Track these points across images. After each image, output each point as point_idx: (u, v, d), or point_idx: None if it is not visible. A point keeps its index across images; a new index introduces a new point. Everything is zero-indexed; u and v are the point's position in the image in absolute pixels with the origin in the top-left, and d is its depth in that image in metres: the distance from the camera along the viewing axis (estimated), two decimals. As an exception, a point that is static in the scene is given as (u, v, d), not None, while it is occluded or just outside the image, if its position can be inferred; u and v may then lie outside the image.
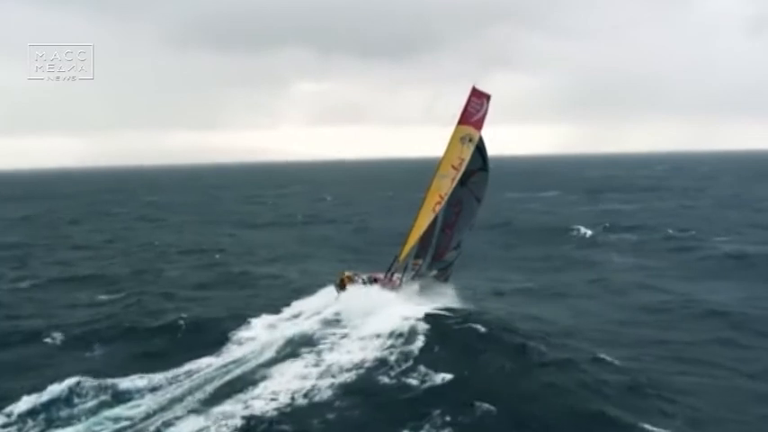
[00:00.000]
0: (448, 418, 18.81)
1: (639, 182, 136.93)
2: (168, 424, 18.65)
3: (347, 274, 31.41)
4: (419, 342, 24.50)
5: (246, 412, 19.19)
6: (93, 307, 33.71)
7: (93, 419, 19.09)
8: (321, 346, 24.61)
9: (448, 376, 21.43)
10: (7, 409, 19.46)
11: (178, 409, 19.48)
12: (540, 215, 76.14)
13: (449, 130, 31.04)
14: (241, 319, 28.25)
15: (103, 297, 35.96)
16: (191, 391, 20.64)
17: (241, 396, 20.28)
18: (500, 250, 51.81)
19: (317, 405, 19.95)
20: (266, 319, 28.46)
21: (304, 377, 21.72)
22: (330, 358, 23.36)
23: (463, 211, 32.18)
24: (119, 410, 19.51)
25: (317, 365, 22.78)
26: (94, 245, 59.22)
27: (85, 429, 18.65)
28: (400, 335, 25.35)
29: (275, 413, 19.31)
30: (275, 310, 29.88)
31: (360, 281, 31.00)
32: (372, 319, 27.01)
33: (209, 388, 20.85)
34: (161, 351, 25.52)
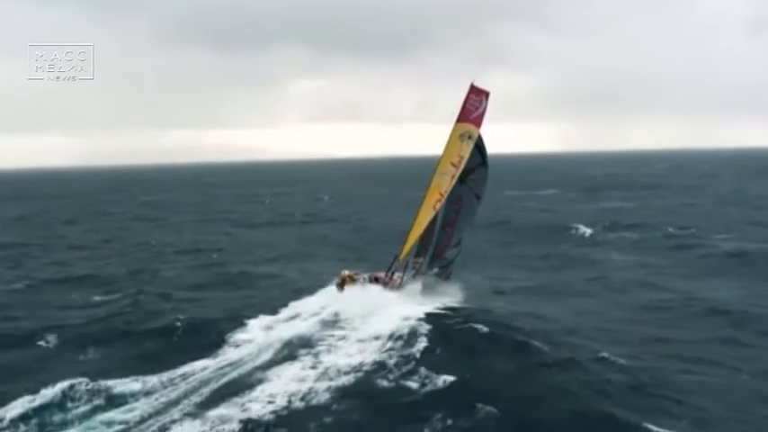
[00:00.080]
0: (449, 422, 18.57)
1: (639, 180, 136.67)
2: (164, 428, 18.40)
3: (348, 273, 31.35)
4: (419, 343, 24.23)
5: (243, 415, 18.94)
6: (88, 308, 33.33)
7: (86, 424, 18.83)
8: (320, 348, 24.34)
9: (449, 378, 21.12)
10: (-1, 414, 19.13)
11: (174, 413, 19.22)
12: (538, 213, 75.92)
13: (446, 127, 31.01)
14: (238, 321, 27.99)
15: (99, 298, 35.57)
16: (186, 395, 20.37)
17: (238, 399, 20.01)
18: (500, 248, 51.57)
19: (315, 408, 19.69)
20: (264, 320, 28.17)
21: (302, 380, 21.46)
22: (328, 360, 23.08)
23: (463, 208, 32.15)
24: (113, 414, 19.23)
25: (314, 368, 22.51)
26: (90, 245, 58.80)
27: None
28: (400, 336, 25.11)
29: (272, 416, 19.06)
30: (273, 310, 29.59)
31: (361, 280, 30.93)
32: (372, 319, 26.82)
33: (206, 391, 20.60)
34: (157, 353, 25.17)
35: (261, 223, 75.57)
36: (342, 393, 20.50)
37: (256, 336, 25.97)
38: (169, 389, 20.85)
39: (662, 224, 60.38)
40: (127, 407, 19.69)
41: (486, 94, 30.75)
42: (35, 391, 20.15)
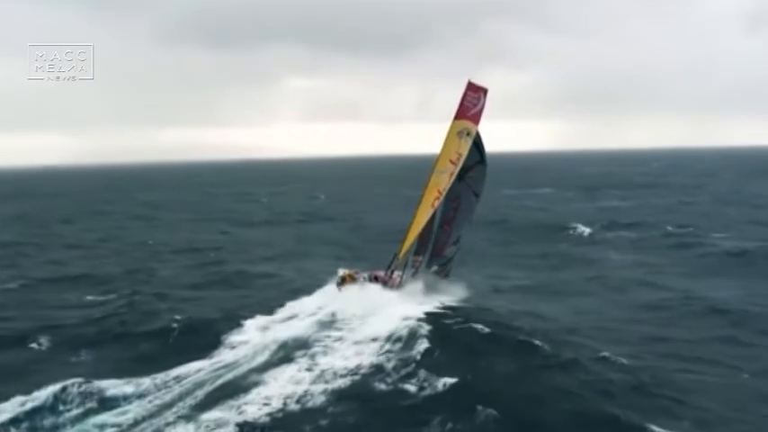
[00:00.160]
0: (449, 425, 18.30)
1: (636, 178, 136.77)
2: (157, 431, 18.15)
3: (348, 272, 31.20)
4: (418, 344, 23.95)
5: (239, 418, 18.69)
6: (83, 308, 33.02)
7: (78, 427, 18.55)
8: (316, 350, 24.02)
9: (448, 380, 20.81)
10: (-11, 418, 18.82)
11: (168, 416, 18.95)
12: (536, 212, 75.82)
13: (443, 126, 30.95)
14: (235, 321, 27.69)
15: (94, 298, 35.24)
16: (181, 397, 20.08)
17: (233, 401, 19.72)
18: (498, 247, 51.37)
19: (311, 411, 19.43)
20: (260, 320, 27.86)
21: (297, 382, 21.15)
22: (325, 362, 22.77)
23: (461, 206, 32.10)
24: (105, 417, 18.93)
25: (311, 370, 22.19)
26: (87, 244, 58.45)
27: None
28: (399, 337, 24.83)
29: (267, 419, 18.81)
30: (270, 310, 29.30)
31: (360, 279, 30.79)
32: (371, 319, 26.57)
33: (200, 393, 20.31)
34: (151, 355, 24.88)
35: (258, 222, 75.19)
36: (338, 396, 20.22)
37: (252, 337, 25.66)
38: (163, 391, 20.56)
39: (660, 223, 60.24)
40: (120, 409, 19.38)
41: (485, 91, 30.66)
42: (27, 393, 19.83)
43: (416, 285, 31.15)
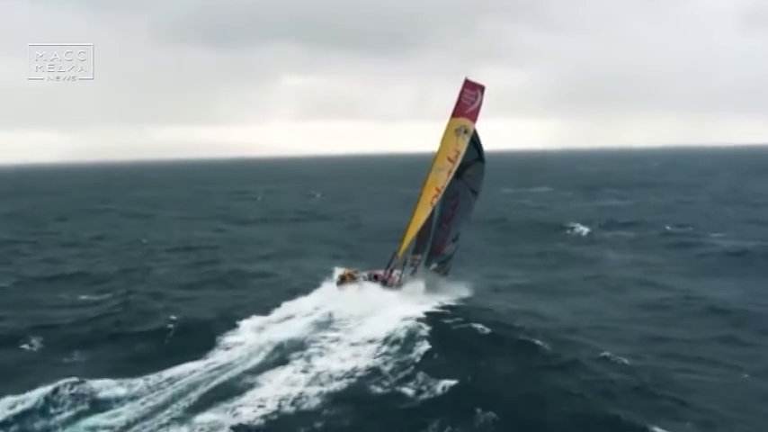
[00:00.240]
0: (447, 429, 18.02)
1: (634, 177, 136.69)
2: (150, 433, 17.80)
3: (348, 271, 31.22)
4: (417, 345, 23.74)
5: (234, 421, 18.45)
6: (77, 308, 32.67)
7: (69, 430, 18.23)
8: (313, 351, 23.75)
9: (447, 382, 20.52)
10: (-23, 421, 18.47)
11: (162, 418, 18.65)
12: (534, 211, 75.70)
13: (441, 124, 30.95)
14: (230, 321, 27.39)
15: (89, 297, 34.91)
16: (174, 399, 19.77)
17: (228, 403, 19.45)
18: (496, 246, 51.11)
19: (306, 413, 19.17)
20: (256, 320, 27.55)
21: (293, 384, 20.87)
22: (321, 364, 22.49)
23: (459, 204, 32.13)
24: (97, 420, 18.62)
25: (306, 371, 21.91)
26: (81, 242, 58.12)
27: None
28: (398, 337, 24.63)
29: (262, 421, 18.58)
30: (266, 310, 29.00)
31: (360, 278, 30.76)
32: (370, 320, 26.37)
33: (194, 395, 20.00)
34: (145, 355, 24.53)
35: (253, 220, 74.96)
36: (334, 398, 19.95)
37: (247, 338, 25.32)
38: (156, 392, 20.24)
39: (659, 222, 60.10)
40: (112, 411, 19.07)
41: (482, 89, 30.67)
42: (17, 395, 19.53)
43: (416, 284, 30.99)
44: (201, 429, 17.87)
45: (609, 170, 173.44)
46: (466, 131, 30.41)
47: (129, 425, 18.28)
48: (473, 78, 30.63)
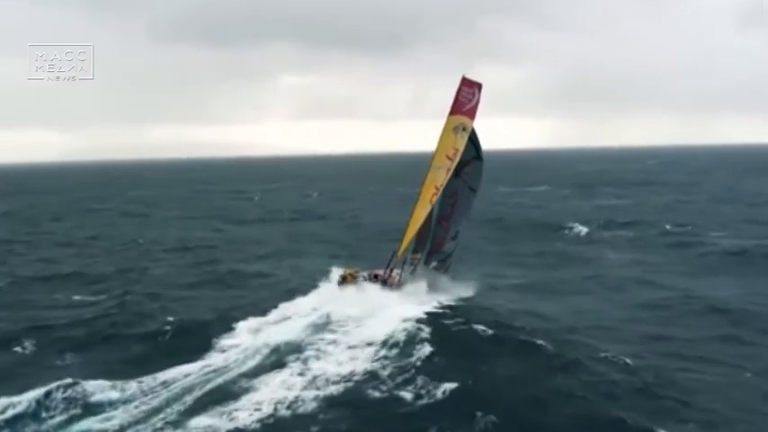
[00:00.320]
0: (447, 433, 17.80)
1: (631, 176, 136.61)
2: (145, 437, 17.53)
3: (349, 271, 31.18)
4: (417, 347, 23.56)
5: (229, 425, 18.26)
6: (71, 308, 32.39)
7: (61, 434, 17.90)
8: (310, 353, 23.49)
9: (447, 385, 20.32)
10: (-33, 426, 18.20)
11: (156, 422, 18.40)
12: (532, 210, 75.58)
13: (438, 123, 30.98)
14: (227, 323, 27.16)
15: (85, 298, 34.65)
16: (169, 402, 19.50)
17: (223, 407, 19.21)
18: (495, 246, 50.89)
19: (302, 417, 18.95)
20: (253, 322, 27.27)
21: (289, 387, 20.64)
22: (318, 367, 22.23)
23: (458, 202, 32.19)
24: (90, 423, 18.38)
25: (303, 374, 21.67)
26: (77, 242, 57.86)
27: None
28: (397, 339, 24.43)
29: (258, 425, 18.37)
30: (264, 311, 28.77)
31: (360, 278, 30.71)
32: (369, 321, 26.18)
33: (189, 398, 19.75)
34: (141, 358, 24.28)
35: (251, 220, 74.74)
36: (330, 402, 19.73)
37: (244, 340, 25.04)
38: (150, 396, 19.99)
39: (658, 221, 59.94)
40: (105, 415, 18.81)
41: (479, 86, 30.69)
42: (8, 398, 19.26)
43: (415, 284, 30.93)
44: (197, 433, 17.57)
45: (606, 169, 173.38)
46: (464, 129, 30.39)
47: (122, 429, 18.04)
48: (470, 76, 30.64)
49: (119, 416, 18.69)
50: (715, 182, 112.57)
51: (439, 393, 19.97)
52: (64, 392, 19.60)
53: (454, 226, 32.59)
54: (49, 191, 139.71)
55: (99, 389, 20.10)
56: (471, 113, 30.56)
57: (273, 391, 20.18)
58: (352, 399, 20.00)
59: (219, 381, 21.04)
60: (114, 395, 19.88)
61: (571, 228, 58.10)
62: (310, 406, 19.44)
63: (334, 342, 24.49)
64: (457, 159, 30.41)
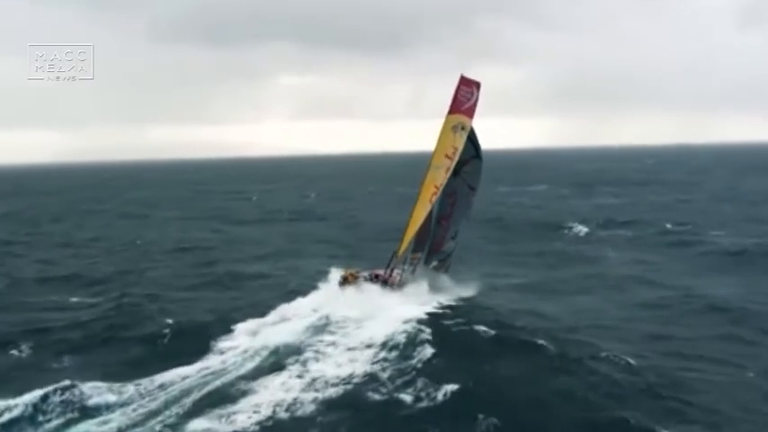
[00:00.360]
0: (448, 436, 17.63)
1: (631, 175, 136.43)
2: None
3: (350, 272, 31.08)
4: (417, 349, 23.41)
5: (228, 428, 18.11)
6: (70, 310, 32.24)
7: (58, 438, 17.74)
8: (309, 355, 23.32)
9: (448, 387, 20.15)
10: (-38, 430, 18.04)
11: (154, 425, 18.26)
12: (531, 210, 75.40)
13: (436, 123, 30.96)
14: (226, 325, 26.98)
15: (82, 300, 34.53)
16: (167, 405, 19.34)
17: (222, 410, 19.04)
18: (494, 245, 50.71)
19: (301, 419, 18.81)
20: (252, 323, 27.08)
21: (288, 389, 20.49)
22: (317, 369, 22.07)
23: (458, 201, 32.19)
24: (87, 427, 18.23)
25: (301, 377, 21.51)
26: (76, 243, 57.75)
27: None
28: (397, 340, 24.27)
29: (257, 428, 18.21)
30: (262, 313, 28.59)
31: (361, 278, 30.62)
32: (370, 323, 26.03)
33: (188, 401, 19.59)
34: (139, 360, 24.13)
35: (249, 220, 74.53)
36: (330, 405, 19.58)
37: (243, 342, 24.84)
38: (148, 399, 19.83)
39: (657, 221, 59.69)
40: (102, 418, 18.65)
41: (477, 85, 30.70)
42: (4, 402, 19.11)
43: (416, 284, 30.89)
44: (195, 436, 17.42)
45: (606, 168, 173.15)
46: (463, 128, 30.39)
47: (120, 432, 17.84)
48: (469, 75, 30.64)
49: (116, 419, 18.53)
50: (714, 181, 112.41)
51: (439, 395, 19.80)
52: (61, 395, 19.43)
53: (454, 225, 32.58)
54: (48, 192, 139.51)
55: (96, 392, 19.93)
56: (470, 112, 30.55)
57: (272, 394, 20.02)
58: (352, 401, 19.85)
59: (218, 383, 20.89)
60: (112, 398, 19.70)
61: (571, 227, 57.90)
62: (309, 408, 19.30)
63: (333, 344, 24.32)
64: (456, 158, 30.37)
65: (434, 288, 30.98)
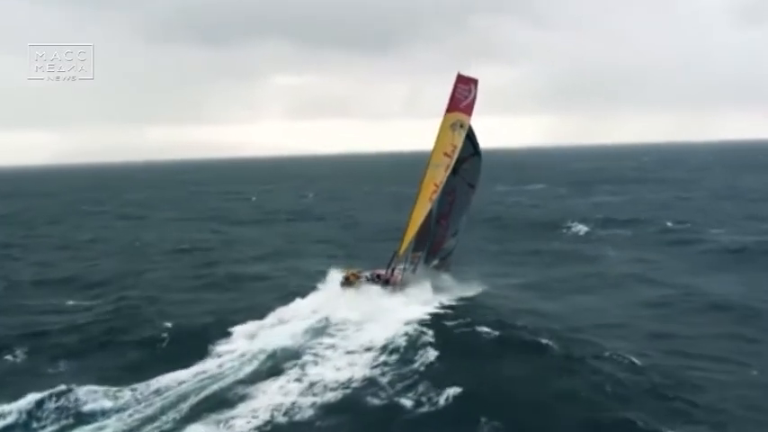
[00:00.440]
0: (450, 439, 17.41)
1: (629, 174, 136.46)
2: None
3: (352, 272, 30.98)
4: (418, 351, 23.22)
5: (225, 432, 17.75)
6: (66, 313, 31.92)
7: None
8: (309, 359, 23.02)
9: (450, 389, 19.90)
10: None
11: (151, 430, 18.02)
12: (530, 209, 75.28)
13: (433, 122, 31.13)
14: (224, 327, 26.68)
15: (79, 302, 34.19)
16: (164, 410, 19.07)
17: (219, 415, 18.78)
18: (494, 245, 50.44)
19: (301, 424, 18.56)
20: (251, 326, 26.77)
21: (286, 393, 20.20)
22: (316, 372, 21.79)
23: (457, 199, 32.24)
24: None
25: (300, 380, 21.22)
26: (73, 245, 57.55)
27: None
28: (398, 342, 24.05)
29: (254, 432, 17.92)
30: (261, 315, 28.25)
31: (363, 279, 30.55)
32: (371, 324, 25.81)
33: (185, 406, 19.30)
34: (136, 365, 23.75)
35: (248, 221, 74.31)
36: (329, 409, 19.31)
37: (241, 345, 24.50)
38: (145, 404, 19.54)
39: (657, 219, 59.51)
40: (98, 424, 18.39)
41: (475, 82, 30.80)
42: (-2, 408, 18.76)
43: (417, 284, 30.83)
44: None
45: (603, 166, 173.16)
46: (462, 126, 30.53)
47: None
48: (465, 72, 30.74)
49: (112, 425, 18.27)
50: (714, 178, 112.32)
51: (441, 398, 19.55)
52: (56, 401, 19.17)
53: (453, 224, 32.57)
54: (45, 193, 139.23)
55: (92, 397, 19.66)
56: (468, 110, 30.65)
57: (270, 398, 19.72)
58: (351, 405, 19.60)
59: (215, 387, 20.60)
60: (108, 404, 19.42)
61: (570, 226, 57.73)
62: (308, 413, 19.03)
63: (332, 347, 24.04)
64: (455, 156, 30.47)
65: (436, 288, 30.85)
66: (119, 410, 19.13)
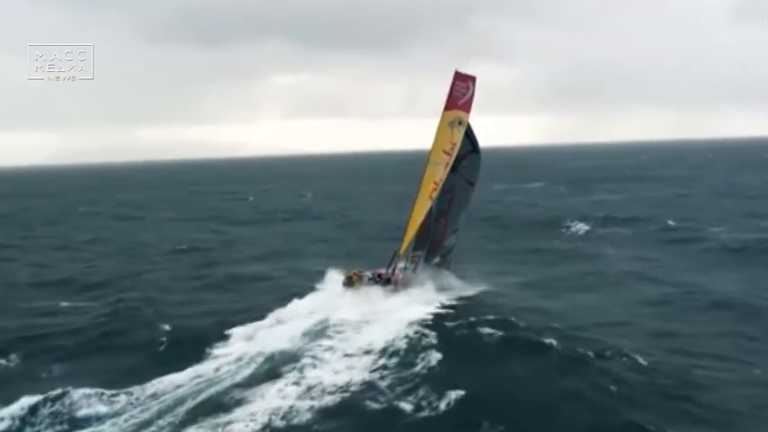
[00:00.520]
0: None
1: (628, 172, 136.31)
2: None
3: (354, 271, 30.88)
4: (419, 352, 23.04)
5: (223, 436, 17.50)
6: (63, 315, 31.71)
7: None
8: (308, 362, 22.75)
9: (451, 392, 19.65)
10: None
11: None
12: (530, 208, 75.07)
13: (431, 121, 31.21)
14: (222, 329, 26.38)
15: (76, 304, 33.90)
16: (160, 414, 18.82)
17: (216, 419, 18.53)
18: (493, 244, 50.34)
19: (299, 428, 18.29)
20: (249, 327, 26.49)
21: (285, 397, 19.92)
22: (315, 375, 21.51)
23: (456, 197, 32.28)
24: None
25: (298, 384, 20.94)
26: (71, 246, 57.26)
27: None
28: (399, 343, 23.87)
29: (252, 436, 17.66)
30: (260, 316, 28.04)
31: (365, 278, 30.49)
32: (371, 325, 25.66)
33: (182, 410, 19.03)
34: (133, 368, 23.37)
35: (246, 221, 74.14)
36: (328, 413, 19.05)
37: (239, 348, 24.20)
38: (141, 408, 19.27)
39: (657, 217, 59.34)
40: (93, 429, 18.14)
41: (473, 79, 30.84)
42: (-7, 413, 18.47)
43: (418, 283, 30.83)
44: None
45: (602, 165, 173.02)
46: (460, 123, 30.57)
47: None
48: (463, 70, 30.78)
49: (107, 430, 18.04)
50: (713, 176, 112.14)
51: (443, 401, 19.28)
52: (51, 406, 18.94)
53: (453, 222, 32.58)
54: (44, 194, 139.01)
55: (87, 402, 19.42)
56: (466, 107, 30.68)
57: (268, 402, 19.45)
58: (350, 409, 19.35)
59: (213, 391, 20.33)
60: (103, 408, 19.17)
61: (569, 225, 57.51)
62: (305, 417, 18.76)
63: (331, 349, 23.77)
64: (455, 154, 30.49)
65: (435, 287, 30.78)
66: (114, 415, 18.88)
